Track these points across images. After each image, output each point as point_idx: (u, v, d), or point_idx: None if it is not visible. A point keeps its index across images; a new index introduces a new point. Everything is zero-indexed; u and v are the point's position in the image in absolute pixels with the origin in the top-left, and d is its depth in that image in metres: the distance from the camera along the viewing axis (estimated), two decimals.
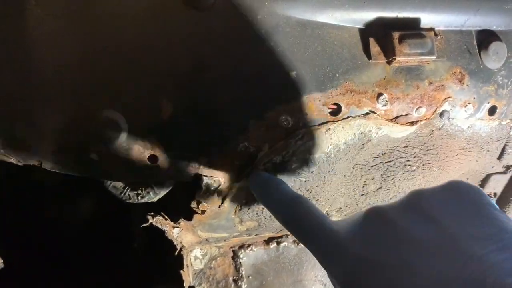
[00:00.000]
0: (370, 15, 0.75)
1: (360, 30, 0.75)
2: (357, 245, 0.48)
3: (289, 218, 0.60)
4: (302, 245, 1.04)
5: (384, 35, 0.74)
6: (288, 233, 1.04)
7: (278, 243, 1.05)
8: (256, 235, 0.99)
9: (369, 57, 0.75)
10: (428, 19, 0.78)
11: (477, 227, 0.42)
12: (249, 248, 1.04)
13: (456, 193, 0.47)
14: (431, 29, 0.77)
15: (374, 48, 0.75)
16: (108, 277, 1.44)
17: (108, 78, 0.66)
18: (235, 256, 1.04)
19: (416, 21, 0.77)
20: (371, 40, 0.75)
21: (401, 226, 0.46)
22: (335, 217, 0.98)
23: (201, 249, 1.02)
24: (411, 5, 0.76)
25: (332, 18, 0.73)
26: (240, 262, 1.04)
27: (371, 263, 0.45)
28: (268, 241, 1.05)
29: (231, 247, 1.04)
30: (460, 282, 0.37)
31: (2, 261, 1.15)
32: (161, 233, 0.84)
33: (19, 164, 0.68)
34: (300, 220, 0.58)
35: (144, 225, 0.79)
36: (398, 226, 0.46)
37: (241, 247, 1.04)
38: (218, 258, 1.04)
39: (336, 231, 0.52)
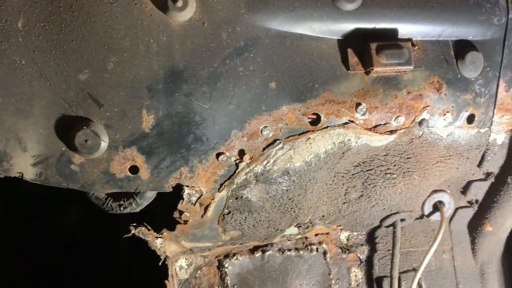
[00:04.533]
0: (348, 26, 0.76)
1: (339, 41, 0.77)
2: None
3: None
4: (287, 253, 1.05)
5: (362, 46, 0.76)
6: (273, 241, 1.05)
7: (263, 252, 1.05)
8: (241, 244, 0.99)
9: (347, 67, 0.76)
10: (405, 29, 0.79)
11: None
12: (234, 257, 1.04)
13: None
14: (409, 39, 0.79)
15: (352, 59, 0.76)
16: (95, 286, 1.44)
17: (88, 90, 0.67)
18: (220, 266, 1.04)
19: (394, 32, 0.79)
20: (349, 51, 0.76)
21: None
22: (318, 226, 0.99)
23: (186, 259, 1.03)
24: (388, 17, 0.78)
25: (311, 30, 0.75)
26: (225, 272, 1.04)
27: None
28: (253, 250, 1.05)
29: (216, 256, 1.05)
30: None
31: None
32: (144, 243, 0.84)
33: (0, 176, 0.68)
34: None
35: (126, 235, 0.80)
36: None
37: (226, 256, 1.04)
38: (203, 268, 1.04)
39: None
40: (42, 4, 0.66)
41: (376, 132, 0.80)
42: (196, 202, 0.78)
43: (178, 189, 0.76)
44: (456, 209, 1.08)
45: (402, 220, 1.04)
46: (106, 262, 1.46)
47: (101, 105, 0.68)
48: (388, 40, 0.77)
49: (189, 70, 0.70)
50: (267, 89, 0.73)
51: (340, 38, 0.77)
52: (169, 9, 0.67)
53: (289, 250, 1.07)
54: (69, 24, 0.67)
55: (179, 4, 0.67)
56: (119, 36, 0.68)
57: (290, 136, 0.76)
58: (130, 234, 0.80)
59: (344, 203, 0.93)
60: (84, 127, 0.67)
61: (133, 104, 0.69)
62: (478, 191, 1.03)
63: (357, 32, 0.77)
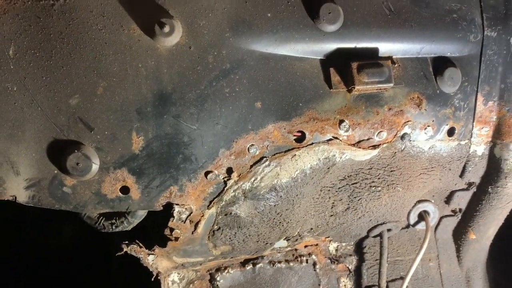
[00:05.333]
0: (329, 47, 0.79)
1: (321, 61, 0.79)
2: None
3: None
4: (277, 265, 1.07)
5: (343, 65, 0.79)
6: (264, 254, 1.07)
7: (254, 265, 1.07)
8: (232, 257, 1.01)
9: (330, 86, 0.79)
10: (385, 48, 0.82)
11: None
12: (226, 271, 1.06)
13: None
14: (389, 57, 0.82)
15: (335, 77, 0.79)
16: None
17: (79, 114, 0.69)
18: (212, 279, 1.06)
19: (374, 51, 0.82)
20: (332, 70, 0.79)
21: None
22: (307, 238, 1.02)
23: (178, 273, 1.04)
24: (369, 36, 0.80)
25: (294, 51, 0.77)
26: (217, 285, 1.06)
27: None
28: (244, 263, 1.07)
29: (208, 270, 1.06)
30: None
31: None
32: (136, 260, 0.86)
33: None
34: None
35: (119, 253, 0.81)
36: None
37: (218, 269, 1.06)
38: (195, 282, 1.06)
39: None
40: (32, 32, 0.68)
41: (360, 147, 0.83)
42: (186, 219, 0.80)
43: (169, 207, 0.78)
44: (441, 218, 1.11)
45: (388, 230, 1.07)
46: (100, 276, 1.47)
47: (91, 129, 0.70)
48: (369, 59, 0.80)
49: (177, 93, 0.72)
50: (253, 108, 0.76)
51: (322, 58, 0.79)
52: (156, 35, 0.69)
53: (280, 262, 1.09)
54: (59, 51, 0.69)
55: (166, 29, 0.69)
56: (108, 61, 0.70)
57: (277, 153, 0.79)
58: (122, 252, 0.82)
59: (331, 215, 0.95)
60: (76, 151, 0.69)
61: (123, 127, 0.71)
62: (461, 201, 1.06)
63: (338, 52, 0.79)
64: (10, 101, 0.67)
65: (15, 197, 0.70)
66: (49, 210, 0.77)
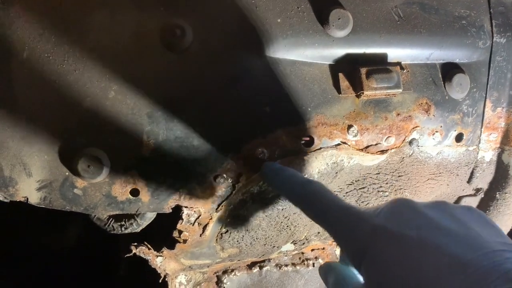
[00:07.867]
0: (338, 52, 0.79)
1: (330, 66, 0.80)
2: (378, 218, 0.50)
3: (304, 196, 0.62)
4: (284, 269, 1.07)
5: (352, 71, 0.79)
6: (270, 257, 1.07)
7: (261, 267, 1.08)
8: (239, 260, 1.02)
9: (339, 91, 0.79)
10: (394, 54, 0.83)
11: (496, 235, 0.47)
12: (233, 273, 1.07)
13: (475, 212, 0.51)
14: (398, 63, 0.82)
15: (344, 82, 0.79)
16: None
17: (90, 117, 0.70)
18: (219, 281, 1.07)
19: (383, 56, 0.82)
20: (340, 76, 0.79)
21: (428, 215, 0.49)
22: (314, 241, 1.02)
23: (185, 275, 1.05)
24: (378, 42, 0.81)
25: (303, 56, 0.78)
26: (224, 287, 1.06)
27: (390, 233, 0.47)
28: (251, 265, 1.08)
29: (215, 272, 1.07)
30: (476, 266, 0.40)
31: None
32: (145, 262, 0.87)
33: (5, 200, 0.71)
34: (315, 197, 0.61)
35: (128, 255, 0.82)
36: (425, 213, 0.49)
37: (225, 272, 1.07)
38: (202, 284, 1.07)
39: (353, 207, 0.56)
40: (46, 36, 0.69)
41: (368, 152, 0.83)
42: (195, 222, 0.81)
43: (177, 210, 0.78)
44: None
45: None
46: (105, 279, 1.48)
47: (103, 132, 0.71)
48: (378, 64, 0.80)
49: (187, 98, 0.73)
50: (262, 113, 0.76)
51: (331, 63, 0.80)
52: (167, 41, 0.70)
53: (286, 265, 1.09)
54: (72, 55, 0.70)
55: (177, 36, 0.70)
56: (120, 66, 0.71)
57: (285, 158, 0.79)
58: (131, 254, 0.83)
59: None
60: (87, 153, 0.69)
61: (133, 130, 0.72)
62: None
63: (347, 57, 0.80)
64: (24, 104, 0.68)
65: (27, 198, 0.71)
66: (51, 214, 0.78)
